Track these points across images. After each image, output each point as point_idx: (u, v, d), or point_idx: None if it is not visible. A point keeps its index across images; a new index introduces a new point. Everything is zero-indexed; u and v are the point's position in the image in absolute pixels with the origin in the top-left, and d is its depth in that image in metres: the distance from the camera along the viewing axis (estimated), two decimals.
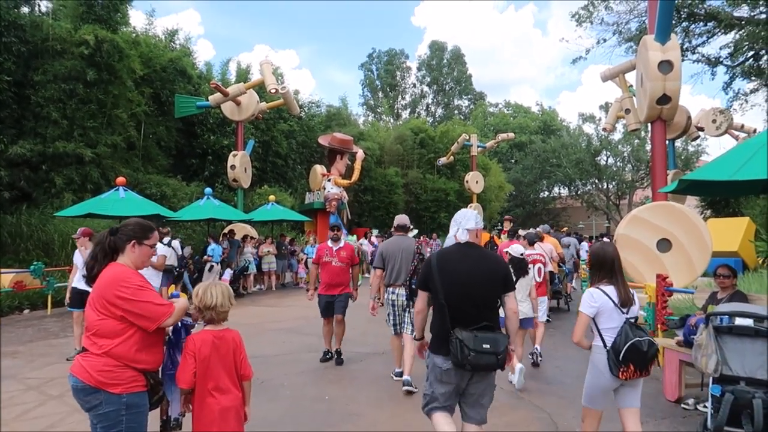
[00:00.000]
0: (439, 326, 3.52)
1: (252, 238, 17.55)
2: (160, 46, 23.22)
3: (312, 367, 7.20)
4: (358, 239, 23.38)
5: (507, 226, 12.21)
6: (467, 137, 31.92)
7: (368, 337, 9.35)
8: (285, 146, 27.54)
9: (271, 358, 7.75)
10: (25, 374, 6.86)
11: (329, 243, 7.74)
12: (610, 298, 3.72)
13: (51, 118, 16.33)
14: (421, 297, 3.74)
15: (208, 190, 15.81)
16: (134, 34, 21.31)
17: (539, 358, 7.45)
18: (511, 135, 35.55)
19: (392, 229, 6.83)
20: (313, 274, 7.99)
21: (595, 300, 3.75)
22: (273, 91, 19.09)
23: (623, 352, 3.58)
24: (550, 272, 9.65)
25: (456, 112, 63.21)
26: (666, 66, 9.44)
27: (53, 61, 16.45)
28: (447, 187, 36.03)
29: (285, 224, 24.33)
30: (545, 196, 53.40)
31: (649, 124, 10.61)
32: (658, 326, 7.23)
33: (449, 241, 3.77)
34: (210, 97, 19.93)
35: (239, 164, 20.00)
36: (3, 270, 12.62)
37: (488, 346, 3.31)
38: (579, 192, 49.79)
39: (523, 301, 6.69)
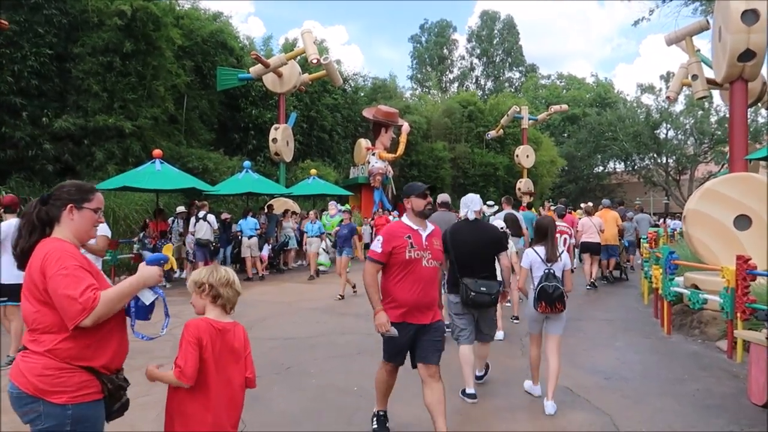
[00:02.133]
0: (452, 275, 5.22)
1: (294, 213, 17.13)
2: (202, 18, 22.85)
3: (344, 352, 6.61)
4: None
5: (526, 200, 12.89)
6: (518, 109, 30.59)
7: None
8: (329, 120, 26.96)
9: (302, 340, 7.21)
10: None
11: (408, 222, 4.08)
12: (539, 255, 4.98)
13: (92, 92, 16.20)
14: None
15: (247, 163, 15.41)
16: (176, 6, 20.95)
17: None
18: (564, 107, 33.90)
19: (437, 205, 7.53)
20: (372, 281, 3.99)
21: (528, 257, 5.07)
22: (314, 61, 18.47)
23: (536, 292, 4.88)
24: (611, 245, 12.51)
25: (506, 84, 61.21)
26: (750, 16, 8.21)
27: (92, 33, 16.24)
28: (496, 161, 34.80)
29: (329, 199, 23.87)
30: (599, 171, 51.14)
31: (717, 93, 9.43)
32: (738, 314, 6.29)
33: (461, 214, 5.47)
34: (251, 69, 19.49)
35: (281, 137, 19.55)
36: None
37: (484, 289, 4.92)
38: (636, 167, 47.45)
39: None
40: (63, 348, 2.18)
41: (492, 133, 31.84)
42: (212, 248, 12.31)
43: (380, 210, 21.15)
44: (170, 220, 13.65)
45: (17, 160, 15.13)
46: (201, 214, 12.27)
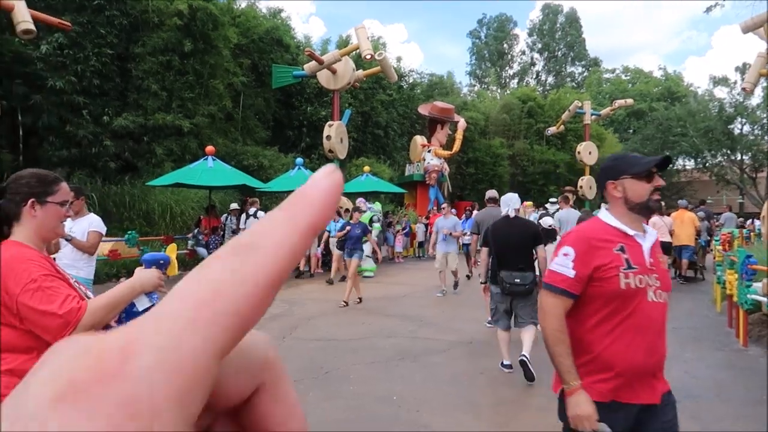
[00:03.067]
0: (493, 268, 5.78)
1: (346, 210, 16.96)
2: (259, 16, 23.08)
3: (386, 356, 6.30)
4: (460, 215, 22.23)
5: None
6: (579, 104, 29.37)
7: (459, 322, 8.32)
8: (385, 116, 26.73)
9: (343, 342, 6.95)
10: None
11: (616, 222, 2.28)
12: None
13: (151, 91, 16.55)
14: (484, 251, 6.11)
15: (299, 160, 15.37)
16: (233, 5, 21.22)
17: None
18: (630, 101, 32.30)
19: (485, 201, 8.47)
20: (558, 329, 2.23)
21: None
22: (368, 57, 18.23)
23: None
24: (685, 246, 12.63)
25: (568, 80, 59.38)
26: None
27: (152, 34, 16.60)
28: (556, 158, 33.68)
29: (383, 196, 23.67)
30: (668, 168, 48.71)
31: None
32: None
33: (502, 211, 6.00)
34: (305, 66, 19.43)
35: (335, 134, 19.41)
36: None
37: (518, 280, 5.44)
38: (707, 164, 44.91)
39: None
40: (28, 369, 1.93)
41: (552, 130, 30.71)
42: None
43: (435, 208, 20.76)
44: (223, 216, 13.75)
45: (80, 157, 15.63)
46: (251, 210, 12.26)
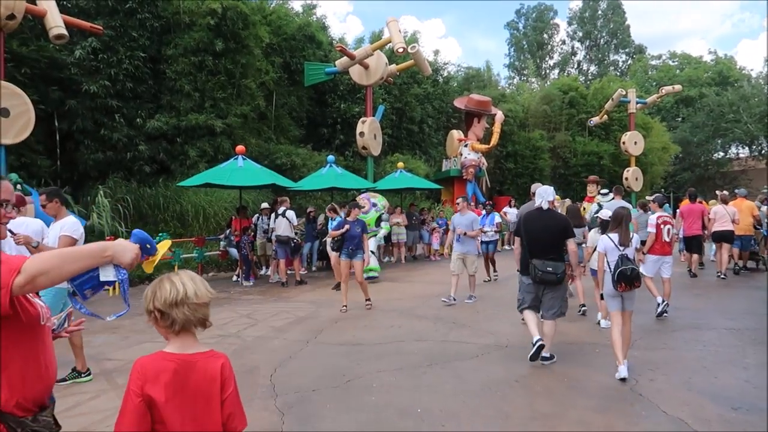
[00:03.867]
0: (524, 257, 5.96)
1: (343, 205, 16.61)
2: (291, 13, 22.93)
3: (413, 362, 5.89)
4: (500, 209, 21.59)
5: (592, 190, 12.30)
6: (624, 92, 28.21)
7: (494, 323, 7.83)
8: (419, 111, 26.23)
9: (369, 347, 6.57)
10: (109, 354, 6.38)
11: None
12: (613, 241, 5.54)
13: (183, 91, 16.56)
14: (517, 241, 6.22)
15: (330, 158, 15.06)
16: (265, 4, 21.11)
17: (665, 307, 7.96)
18: (678, 87, 30.86)
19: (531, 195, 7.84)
20: None
21: (603, 242, 5.64)
22: (400, 50, 17.80)
23: (616, 275, 5.34)
24: (745, 236, 12.27)
25: (611, 68, 57.40)
26: None
27: (183, 34, 16.59)
28: (600, 149, 32.47)
29: (418, 193, 23.22)
30: (719, 157, 46.46)
31: None
32: None
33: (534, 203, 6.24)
34: (337, 62, 19.17)
35: (368, 131, 19.09)
36: None
37: (550, 269, 5.65)
38: (763, 152, 42.69)
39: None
40: None
41: (595, 120, 29.62)
42: (293, 245, 12.02)
43: (473, 203, 20.18)
44: (255, 216, 13.58)
45: (115, 160, 15.75)
46: (280, 210, 12.02)
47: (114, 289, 6.37)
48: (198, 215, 15.44)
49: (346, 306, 8.76)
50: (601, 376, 5.39)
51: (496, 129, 23.68)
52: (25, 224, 5.16)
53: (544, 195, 5.96)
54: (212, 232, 15.16)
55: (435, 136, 27.75)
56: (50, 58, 14.85)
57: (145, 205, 15.37)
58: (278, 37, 20.84)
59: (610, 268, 5.48)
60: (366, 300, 9.04)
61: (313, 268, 14.93)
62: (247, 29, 17.45)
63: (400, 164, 18.11)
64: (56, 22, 12.82)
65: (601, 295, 5.97)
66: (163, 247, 2.25)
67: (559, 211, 8.25)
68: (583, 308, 8.31)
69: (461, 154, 24.05)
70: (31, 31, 14.50)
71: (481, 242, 11.81)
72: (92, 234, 13.42)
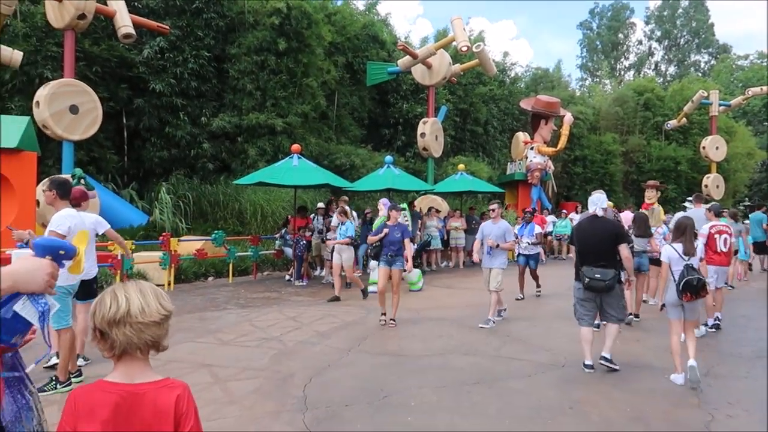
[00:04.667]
0: (577, 264, 5.96)
1: (437, 210, 16.17)
2: (354, 13, 22.81)
3: (458, 379, 5.44)
4: (568, 214, 20.67)
5: (650, 195, 10.95)
6: (705, 94, 26.45)
7: (552, 338, 7.25)
8: (484, 112, 25.54)
9: (413, 359, 6.17)
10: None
11: None
12: (677, 251, 5.62)
13: (246, 90, 16.71)
14: (573, 249, 6.23)
15: (388, 158, 14.73)
16: (328, 4, 21.09)
17: (717, 321, 7.86)
18: (766, 89, 28.71)
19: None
20: None
21: (667, 252, 5.72)
22: (464, 49, 17.28)
23: (681, 285, 5.41)
24: None
25: (692, 69, 54.36)
26: None
27: (247, 34, 16.73)
28: (677, 154, 30.62)
29: (480, 197, 22.55)
30: None
31: None
32: None
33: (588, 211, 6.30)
34: (399, 62, 18.86)
35: (429, 132, 18.68)
36: (188, 237, 13.03)
37: (598, 275, 5.69)
38: None
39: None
40: None
41: (673, 123, 27.91)
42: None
43: (537, 208, 19.37)
44: (311, 216, 13.45)
45: (179, 158, 16.05)
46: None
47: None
48: (256, 213, 15.49)
49: (385, 315, 8.02)
50: (670, 408, 4.77)
51: (565, 131, 22.65)
52: (79, 218, 5.09)
53: (597, 202, 6.05)
54: (270, 230, 15.16)
55: (500, 139, 26.96)
56: (120, 57, 15.30)
57: (205, 202, 15.57)
58: (342, 37, 20.75)
59: (674, 278, 5.50)
60: (391, 318, 7.96)
61: (369, 271, 14.63)
62: (310, 28, 17.43)
63: (461, 166, 17.57)
64: (124, 22, 13.14)
65: (662, 306, 5.87)
66: (81, 242, 1.93)
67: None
68: (631, 318, 8.16)
69: (527, 157, 23.17)
70: (103, 30, 14.97)
71: (518, 255, 10.58)
72: (154, 230, 13.70)
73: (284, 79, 17.25)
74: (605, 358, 5.76)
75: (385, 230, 8.09)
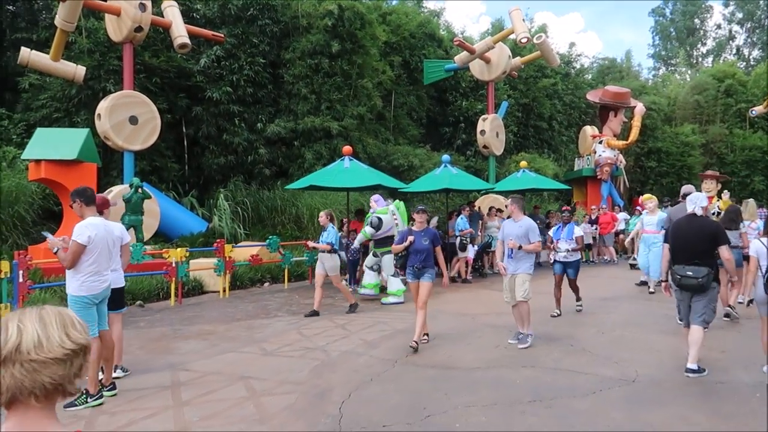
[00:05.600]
0: (670, 262, 5.82)
1: (498, 210, 15.48)
2: (410, 11, 22.43)
3: (512, 396, 4.91)
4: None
5: (709, 187, 11.20)
6: None
7: (622, 348, 6.55)
8: (548, 107, 24.51)
9: (464, 372, 5.67)
10: (189, 364, 6.08)
11: None
12: (765, 246, 5.44)
13: (300, 95, 16.67)
14: (665, 247, 6.01)
15: (445, 157, 14.21)
16: (382, 3, 20.83)
17: None
18: None
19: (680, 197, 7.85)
20: None
21: (755, 247, 5.56)
22: (524, 40, 16.55)
23: (767, 280, 5.31)
24: None
25: None
26: None
27: (300, 38, 16.70)
28: (764, 143, 28.36)
29: (546, 195, 21.60)
30: None
31: None
32: None
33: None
34: (456, 58, 18.34)
35: (489, 129, 18.06)
36: (243, 243, 13.01)
37: (690, 273, 5.43)
38: None
39: None
40: None
41: (758, 109, 25.74)
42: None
43: (606, 206, 18.27)
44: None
45: (237, 164, 16.19)
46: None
47: None
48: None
49: (427, 335, 6.90)
50: None
51: (636, 123, 21.35)
52: (104, 226, 4.97)
53: (696, 201, 5.78)
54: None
55: (566, 134, 25.82)
56: (178, 68, 15.60)
57: (263, 207, 15.61)
58: (397, 36, 20.44)
59: (762, 274, 5.37)
60: (424, 335, 6.84)
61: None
62: (363, 29, 17.21)
63: (523, 163, 16.78)
64: (180, 32, 13.33)
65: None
66: None
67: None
68: (729, 310, 7.79)
69: (595, 152, 22.01)
70: (162, 42, 15.30)
71: (555, 262, 8.81)
72: (213, 236, 13.80)
73: (339, 81, 17.09)
74: (691, 370, 5.39)
75: (410, 238, 6.85)
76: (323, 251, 8.91)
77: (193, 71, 15.85)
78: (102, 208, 5.39)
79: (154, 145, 13.24)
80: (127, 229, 10.74)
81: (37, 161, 10.82)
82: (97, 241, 4.77)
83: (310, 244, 10.07)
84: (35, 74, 14.36)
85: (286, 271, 12.42)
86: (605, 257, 16.72)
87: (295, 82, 16.68)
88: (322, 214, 9.28)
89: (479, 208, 15.69)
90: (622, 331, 7.42)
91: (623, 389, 5.13)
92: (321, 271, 8.93)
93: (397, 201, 11.15)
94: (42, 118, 14.50)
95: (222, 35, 14.65)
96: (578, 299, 8.90)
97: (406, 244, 6.88)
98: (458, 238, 12.88)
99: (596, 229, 16.57)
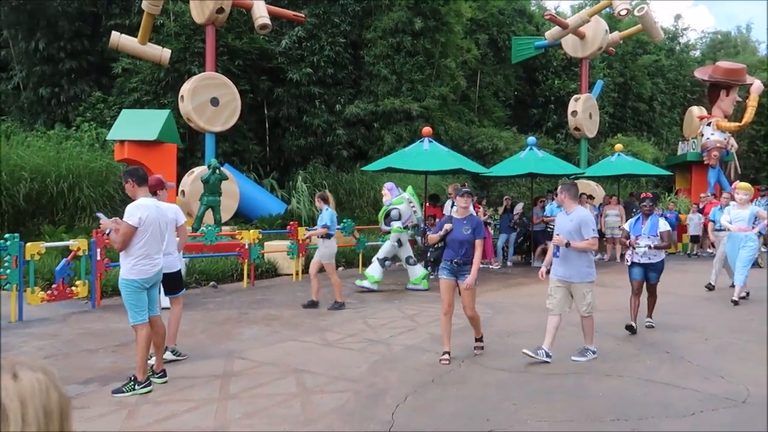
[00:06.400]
0: None
1: (590, 197, 14.40)
2: None
3: (591, 412, 4.24)
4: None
5: None
6: None
7: (729, 359, 5.65)
8: (649, 86, 22.66)
9: (538, 378, 5.03)
10: (246, 352, 5.82)
11: None
12: None
13: (381, 75, 16.28)
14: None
15: (531, 139, 13.33)
16: None
17: None
18: None
19: None
20: None
21: None
22: (623, 13, 15.27)
23: None
24: None
25: None
26: None
27: (382, 16, 16.25)
28: None
29: (644, 181, 19.99)
30: None
31: None
32: None
33: None
34: (547, 33, 17.20)
35: (582, 109, 16.86)
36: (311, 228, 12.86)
37: None
38: None
39: None
40: None
41: None
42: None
43: (713, 193, 16.61)
44: (448, 203, 12.62)
45: (316, 146, 16.08)
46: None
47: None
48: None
49: (448, 354, 5.47)
50: None
51: (752, 102, 19.22)
52: (155, 208, 4.80)
53: None
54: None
55: (668, 115, 23.82)
56: (260, 49, 15.63)
57: (342, 190, 15.41)
58: (484, 12, 19.52)
59: None
60: (476, 340, 5.84)
61: (509, 263, 13.45)
62: (447, 5, 16.50)
63: (618, 146, 15.50)
64: (261, 13, 13.27)
65: None
66: None
67: None
68: None
69: (702, 135, 20.07)
70: (245, 24, 15.36)
71: (632, 265, 6.98)
72: (291, 218, 13.77)
73: (421, 60, 16.53)
74: None
75: (448, 225, 5.60)
76: (319, 237, 8.05)
77: (275, 53, 15.84)
78: (156, 189, 5.22)
79: (235, 126, 13.33)
80: (205, 210, 10.98)
81: (121, 142, 11.12)
82: (148, 223, 4.59)
83: (307, 231, 9.44)
84: (128, 59, 14.85)
85: (360, 255, 12.13)
86: (709, 250, 15.20)
87: (376, 62, 16.30)
88: (317, 196, 8.50)
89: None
90: (730, 338, 6.47)
91: (730, 411, 4.32)
92: (316, 259, 8.15)
93: (410, 187, 10.46)
94: (134, 101, 15.01)
95: (303, 15, 14.47)
96: (650, 312, 7.10)
97: (441, 233, 5.61)
98: (545, 225, 12.09)
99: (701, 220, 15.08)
